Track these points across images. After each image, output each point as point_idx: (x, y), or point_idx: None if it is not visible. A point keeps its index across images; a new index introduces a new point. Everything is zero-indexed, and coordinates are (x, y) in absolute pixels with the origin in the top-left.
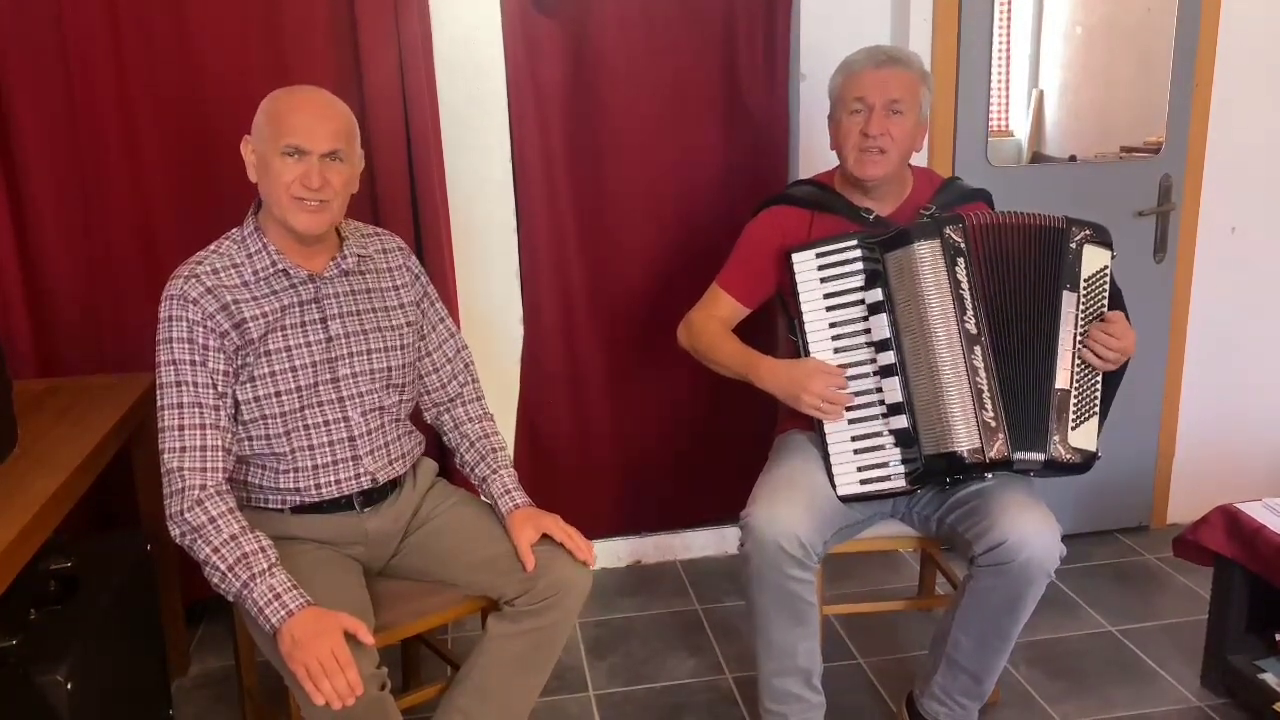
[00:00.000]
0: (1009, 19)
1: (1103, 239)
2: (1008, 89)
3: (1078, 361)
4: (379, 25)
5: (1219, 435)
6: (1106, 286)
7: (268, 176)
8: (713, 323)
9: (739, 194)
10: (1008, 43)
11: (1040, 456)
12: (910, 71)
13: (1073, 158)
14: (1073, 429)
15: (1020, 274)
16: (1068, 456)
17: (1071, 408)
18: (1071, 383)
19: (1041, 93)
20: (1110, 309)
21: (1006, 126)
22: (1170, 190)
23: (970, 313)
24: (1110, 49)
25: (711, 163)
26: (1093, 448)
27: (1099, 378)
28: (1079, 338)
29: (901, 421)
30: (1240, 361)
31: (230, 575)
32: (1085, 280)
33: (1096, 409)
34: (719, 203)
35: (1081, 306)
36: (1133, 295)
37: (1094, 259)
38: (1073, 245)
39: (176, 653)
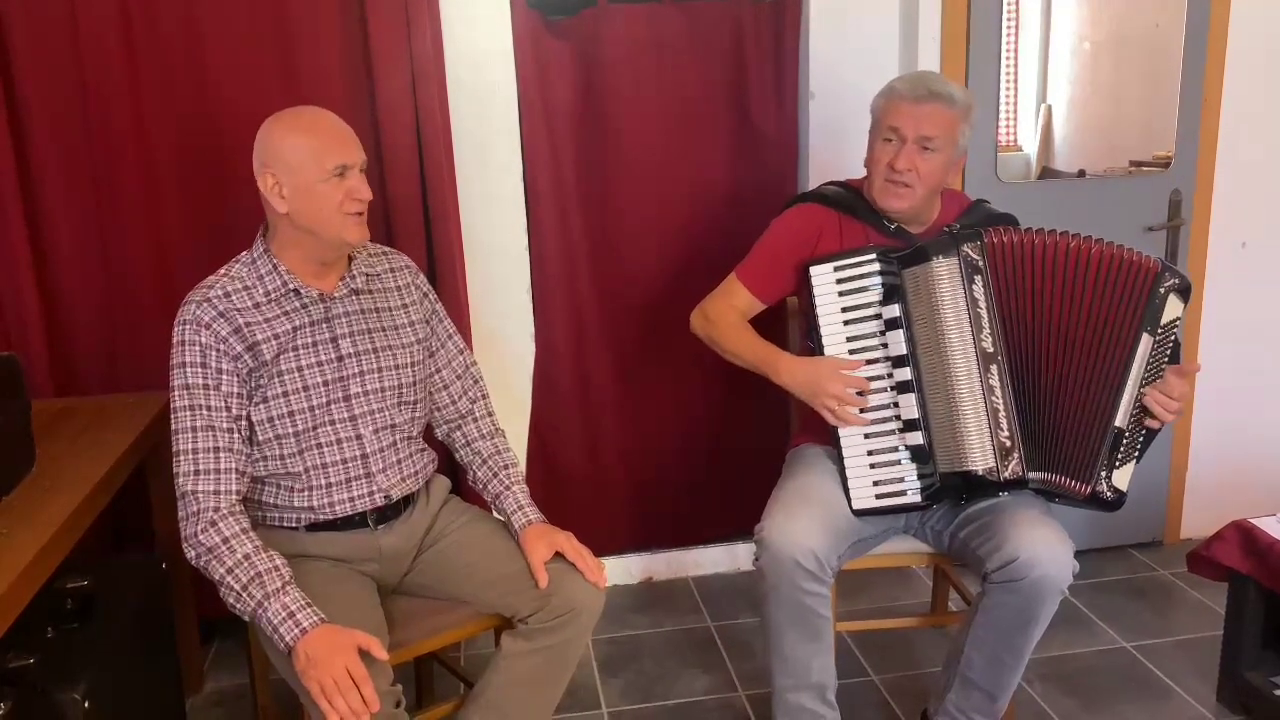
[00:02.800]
0: (1016, 35)
1: (1184, 289)
2: (1016, 104)
3: (1136, 404)
4: (392, 47)
5: (1233, 450)
6: (1173, 337)
7: (314, 202)
8: (730, 312)
9: (749, 212)
10: (1015, 58)
11: (1085, 488)
12: (951, 109)
13: (1081, 173)
14: (1117, 468)
15: (1080, 300)
16: (1109, 495)
17: (1122, 447)
18: (1127, 423)
19: (1050, 108)
20: (1170, 361)
21: (1015, 142)
22: (1180, 205)
23: (987, 331)
24: (1118, 64)
25: (721, 181)
26: (1125, 489)
27: (1147, 420)
28: (1143, 382)
29: (917, 438)
30: (1253, 376)
31: (245, 595)
32: (1162, 327)
33: (1137, 452)
34: (728, 221)
35: (1153, 352)
36: None
37: (1173, 308)
38: (1161, 290)
39: (191, 670)
